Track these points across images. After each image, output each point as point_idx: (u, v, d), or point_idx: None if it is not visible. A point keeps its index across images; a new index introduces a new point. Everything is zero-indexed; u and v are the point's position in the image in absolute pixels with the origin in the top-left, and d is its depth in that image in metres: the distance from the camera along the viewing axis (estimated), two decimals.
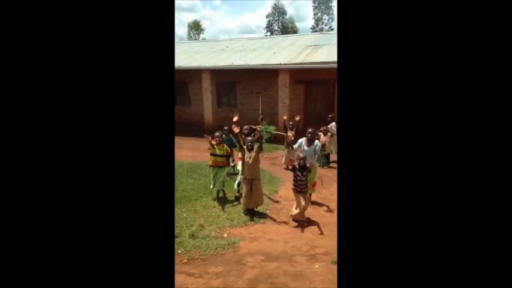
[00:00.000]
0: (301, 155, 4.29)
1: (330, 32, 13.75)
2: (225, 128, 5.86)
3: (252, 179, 4.34)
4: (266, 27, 26.98)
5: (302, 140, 4.93)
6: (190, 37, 31.40)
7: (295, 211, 4.26)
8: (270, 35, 21.52)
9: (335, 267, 3.18)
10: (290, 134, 6.11)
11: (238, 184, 5.07)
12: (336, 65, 8.83)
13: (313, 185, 4.95)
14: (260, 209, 4.56)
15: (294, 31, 26.03)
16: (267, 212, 4.60)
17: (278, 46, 11.77)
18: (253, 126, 6.26)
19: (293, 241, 3.78)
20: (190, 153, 8.16)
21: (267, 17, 27.19)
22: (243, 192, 4.45)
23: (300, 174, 4.13)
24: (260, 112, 5.78)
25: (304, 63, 9.19)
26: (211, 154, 4.96)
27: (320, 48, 10.68)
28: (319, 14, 27.12)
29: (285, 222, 4.29)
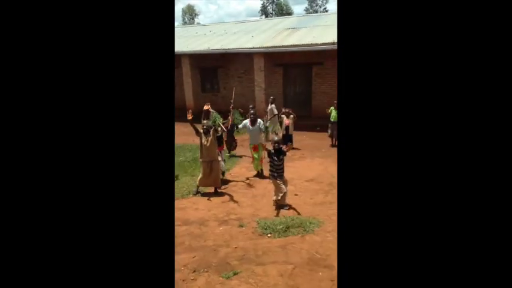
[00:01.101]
0: (276, 138, 4.25)
1: (313, 14, 13.61)
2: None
3: (211, 160, 4.55)
4: (260, 10, 26.62)
5: (247, 121, 5.31)
6: (185, 22, 31.10)
7: (277, 196, 4.10)
8: (265, 19, 21.27)
9: (238, 229, 3.47)
10: (288, 122, 6.93)
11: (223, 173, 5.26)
12: (309, 48, 8.89)
13: (261, 161, 5.38)
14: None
15: (289, 14, 25.59)
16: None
17: (258, 30, 11.76)
18: (208, 108, 6.34)
19: (215, 210, 4.06)
20: None
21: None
22: (201, 173, 4.62)
23: (276, 159, 4.02)
24: (232, 101, 5.94)
25: (275, 47, 9.23)
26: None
27: (297, 31, 10.67)
28: None
29: (219, 194, 4.57)
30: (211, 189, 4.73)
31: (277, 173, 4.05)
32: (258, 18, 23.57)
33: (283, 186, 4.05)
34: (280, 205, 4.06)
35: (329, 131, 7.41)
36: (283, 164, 4.10)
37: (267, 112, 7.54)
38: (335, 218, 3.75)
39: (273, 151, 4.05)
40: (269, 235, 3.31)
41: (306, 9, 26.23)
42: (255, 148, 5.33)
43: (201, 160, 4.70)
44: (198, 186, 4.70)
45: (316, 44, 8.80)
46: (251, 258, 2.83)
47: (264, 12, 26.93)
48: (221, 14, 54.73)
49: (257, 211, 4.01)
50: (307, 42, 9.05)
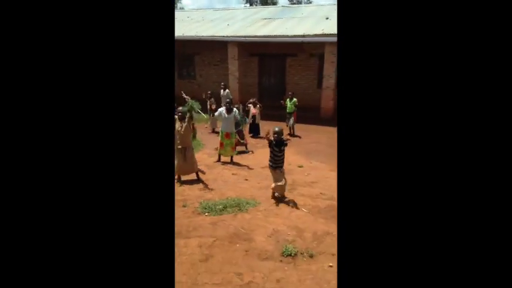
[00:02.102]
0: (277, 129, 3.99)
1: (293, 5, 13.69)
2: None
3: (185, 147, 4.51)
4: None
5: (222, 109, 5.55)
6: None
7: (275, 184, 4.04)
8: (249, 7, 21.13)
9: (181, 209, 3.67)
10: (254, 111, 7.29)
11: None
12: (279, 39, 9.04)
13: (233, 148, 5.67)
14: None
15: (274, 3, 25.45)
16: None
17: (235, 18, 11.79)
18: (184, 95, 6.54)
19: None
20: None
21: None
22: (176, 161, 4.52)
23: (277, 150, 3.91)
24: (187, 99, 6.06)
25: (248, 36, 9.33)
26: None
27: (272, 22, 10.77)
28: None
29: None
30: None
31: (276, 163, 3.98)
32: (242, 6, 23.37)
33: (282, 178, 3.96)
34: (279, 198, 3.98)
35: (287, 121, 7.80)
36: (283, 155, 4.00)
37: (221, 98, 7.90)
38: (273, 199, 4.03)
39: (274, 142, 3.92)
40: (206, 214, 3.52)
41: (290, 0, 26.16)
42: (228, 135, 5.48)
43: (175, 148, 4.58)
44: (178, 175, 4.61)
45: (287, 36, 8.96)
46: (182, 233, 3.04)
47: (249, 0, 26.71)
48: (213, 0, 53.83)
49: (205, 194, 4.22)
50: (278, 34, 9.18)
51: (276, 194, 4.02)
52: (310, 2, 24.19)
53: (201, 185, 4.53)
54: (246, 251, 2.72)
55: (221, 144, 5.60)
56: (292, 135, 7.59)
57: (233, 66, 10.05)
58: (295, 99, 7.73)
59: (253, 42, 9.43)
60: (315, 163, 5.80)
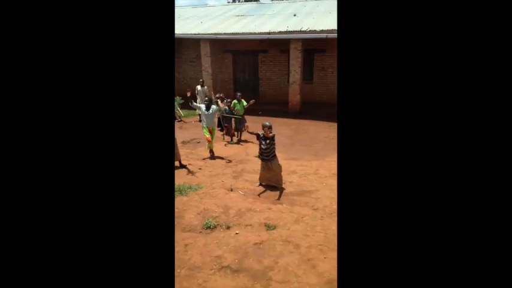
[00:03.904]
0: (267, 124, 4.21)
1: (266, 2, 14.02)
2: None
3: None
4: None
5: (202, 106, 5.97)
6: None
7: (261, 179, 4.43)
8: (232, 2, 21.34)
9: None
10: (222, 105, 7.19)
11: None
12: (248, 36, 9.43)
13: (209, 140, 5.87)
14: None
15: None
16: None
17: (210, 16, 12.12)
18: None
19: None
20: None
21: None
22: None
23: (264, 143, 4.18)
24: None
25: (217, 34, 9.70)
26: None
27: (244, 19, 11.13)
28: None
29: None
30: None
31: (265, 156, 4.24)
32: (225, 2, 23.55)
33: (276, 167, 4.26)
34: (273, 185, 4.30)
35: (238, 125, 7.10)
36: (271, 147, 4.23)
37: (197, 94, 8.26)
38: (216, 184, 4.48)
39: (261, 135, 4.19)
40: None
41: None
42: (211, 131, 5.84)
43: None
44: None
45: (254, 33, 9.36)
46: None
47: None
48: None
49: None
50: (247, 31, 9.58)
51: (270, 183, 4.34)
52: None
53: None
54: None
55: (208, 139, 5.80)
56: (239, 141, 7.12)
57: (206, 63, 10.41)
58: (243, 100, 7.02)
59: (222, 39, 9.81)
60: None
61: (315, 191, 4.22)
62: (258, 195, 4.17)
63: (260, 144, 4.26)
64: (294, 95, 9.57)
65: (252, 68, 11.58)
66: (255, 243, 2.82)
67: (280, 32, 9.06)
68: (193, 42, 10.75)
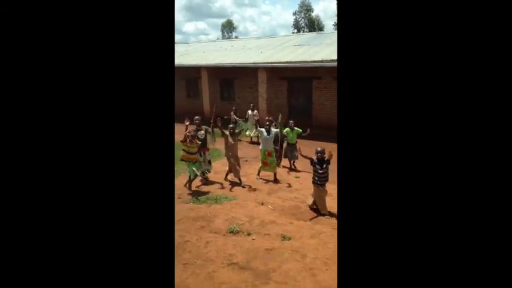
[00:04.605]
0: (319, 149, 4.22)
1: (325, 32, 14.48)
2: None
3: (236, 156, 5.52)
4: (293, 24, 27.74)
5: (263, 130, 6.03)
6: (224, 36, 33.87)
7: (310, 201, 4.41)
8: (285, 35, 22.50)
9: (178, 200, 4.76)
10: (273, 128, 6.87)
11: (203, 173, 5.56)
12: (300, 65, 9.98)
13: (277, 164, 5.98)
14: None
15: (320, 28, 26.35)
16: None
17: (270, 46, 13.09)
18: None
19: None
20: None
21: (293, 14, 27.96)
22: (230, 165, 5.52)
23: (319, 167, 4.19)
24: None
25: (273, 62, 10.48)
26: (183, 150, 5.05)
27: (300, 48, 11.78)
28: None
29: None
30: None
31: (320, 181, 4.21)
32: (289, 33, 24.88)
33: (321, 195, 4.22)
34: (319, 212, 4.25)
35: (289, 154, 6.74)
36: (327, 172, 4.21)
37: (247, 118, 9.00)
38: (250, 198, 4.87)
39: (316, 160, 4.22)
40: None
41: (335, 24, 26.96)
42: (270, 154, 5.83)
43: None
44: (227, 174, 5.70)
45: (306, 61, 9.87)
46: None
47: (297, 26, 28.11)
48: (273, 25, 58.05)
49: (214, 191, 5.12)
50: (300, 60, 10.15)
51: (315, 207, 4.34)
52: None
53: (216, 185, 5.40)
54: (202, 227, 3.70)
55: (265, 163, 5.87)
56: (291, 169, 6.73)
57: (262, 89, 11.22)
58: (297, 128, 6.65)
59: (277, 67, 10.54)
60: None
61: None
62: (310, 219, 4.13)
63: (315, 169, 4.23)
64: None
65: (306, 94, 12.01)
66: (266, 249, 3.16)
67: (332, 60, 9.39)
68: (251, 70, 11.74)
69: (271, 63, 10.50)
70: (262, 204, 4.62)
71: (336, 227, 3.89)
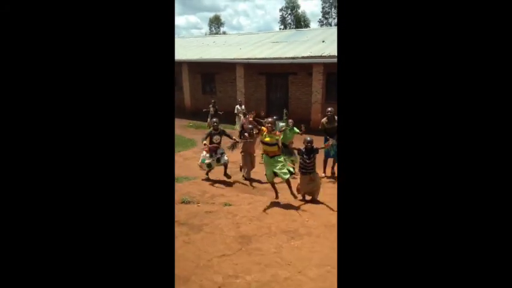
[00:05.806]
0: (308, 139, 4.32)
1: (303, 29, 15.09)
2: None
3: (251, 153, 5.48)
4: (280, 20, 28.30)
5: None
6: (212, 31, 34.11)
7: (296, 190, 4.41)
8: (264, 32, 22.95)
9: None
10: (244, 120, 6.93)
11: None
12: (273, 61, 10.56)
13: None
14: None
15: (306, 25, 26.89)
16: None
17: (248, 43, 13.61)
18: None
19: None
20: None
21: (280, 10, 28.37)
22: (243, 162, 5.47)
23: (306, 157, 4.28)
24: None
25: (249, 58, 11.05)
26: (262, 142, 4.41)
27: (277, 45, 12.37)
28: (326, 8, 27.21)
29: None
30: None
31: (305, 169, 4.31)
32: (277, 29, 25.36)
33: (314, 181, 4.29)
34: (306, 198, 4.40)
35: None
36: (312, 162, 4.30)
37: (236, 112, 9.53)
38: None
39: (304, 150, 4.31)
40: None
41: (320, 21, 27.60)
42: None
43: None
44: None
45: (280, 58, 10.48)
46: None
47: (283, 22, 28.57)
48: (268, 20, 58.64)
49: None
50: (276, 56, 10.75)
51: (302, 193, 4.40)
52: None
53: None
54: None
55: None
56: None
57: (240, 84, 11.78)
58: (295, 128, 6.01)
59: (254, 63, 11.11)
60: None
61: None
62: (299, 207, 4.14)
63: (302, 159, 4.32)
64: (316, 114, 10.29)
65: (283, 89, 12.62)
66: (206, 211, 3.88)
67: (303, 57, 10.02)
68: (232, 65, 12.28)
69: (247, 59, 11.07)
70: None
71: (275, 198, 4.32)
